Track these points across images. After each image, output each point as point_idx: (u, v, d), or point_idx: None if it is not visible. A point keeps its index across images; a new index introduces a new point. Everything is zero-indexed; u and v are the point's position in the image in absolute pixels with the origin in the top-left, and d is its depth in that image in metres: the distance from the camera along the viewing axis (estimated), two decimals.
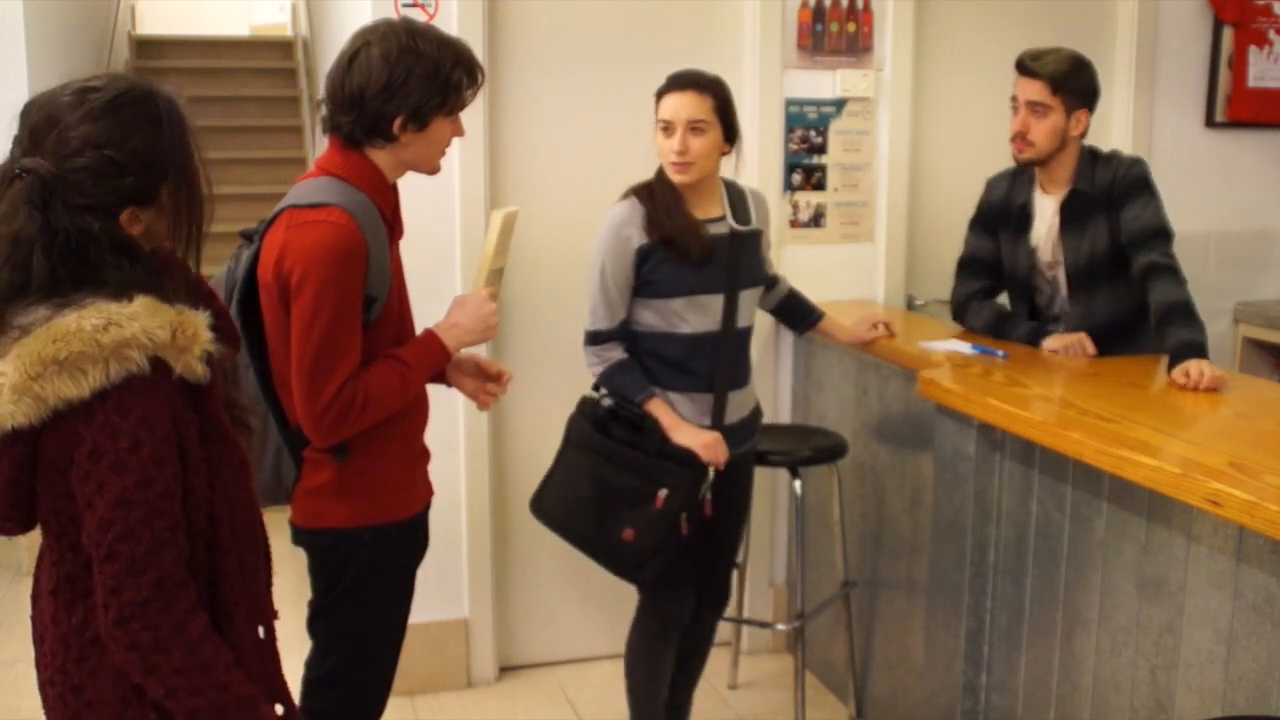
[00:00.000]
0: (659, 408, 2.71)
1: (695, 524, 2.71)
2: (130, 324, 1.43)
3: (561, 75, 3.51)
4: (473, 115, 3.33)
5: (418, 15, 3.27)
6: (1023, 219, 3.06)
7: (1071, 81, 2.89)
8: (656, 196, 2.71)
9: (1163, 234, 2.86)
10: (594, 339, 2.76)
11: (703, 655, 3.04)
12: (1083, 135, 2.95)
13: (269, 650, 1.73)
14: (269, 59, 8.00)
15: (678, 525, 2.67)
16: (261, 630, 1.70)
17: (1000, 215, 3.11)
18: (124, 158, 1.49)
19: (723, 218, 2.75)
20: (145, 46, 7.78)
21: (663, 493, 2.65)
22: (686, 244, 2.66)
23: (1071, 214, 2.97)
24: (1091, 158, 2.97)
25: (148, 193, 1.53)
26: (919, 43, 3.76)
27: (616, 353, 2.75)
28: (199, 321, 1.52)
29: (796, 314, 3.12)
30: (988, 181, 3.17)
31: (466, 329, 2.24)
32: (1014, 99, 2.95)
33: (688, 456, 2.68)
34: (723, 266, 2.71)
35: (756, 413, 2.95)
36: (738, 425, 2.83)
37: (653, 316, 2.73)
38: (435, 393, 2.41)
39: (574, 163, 3.53)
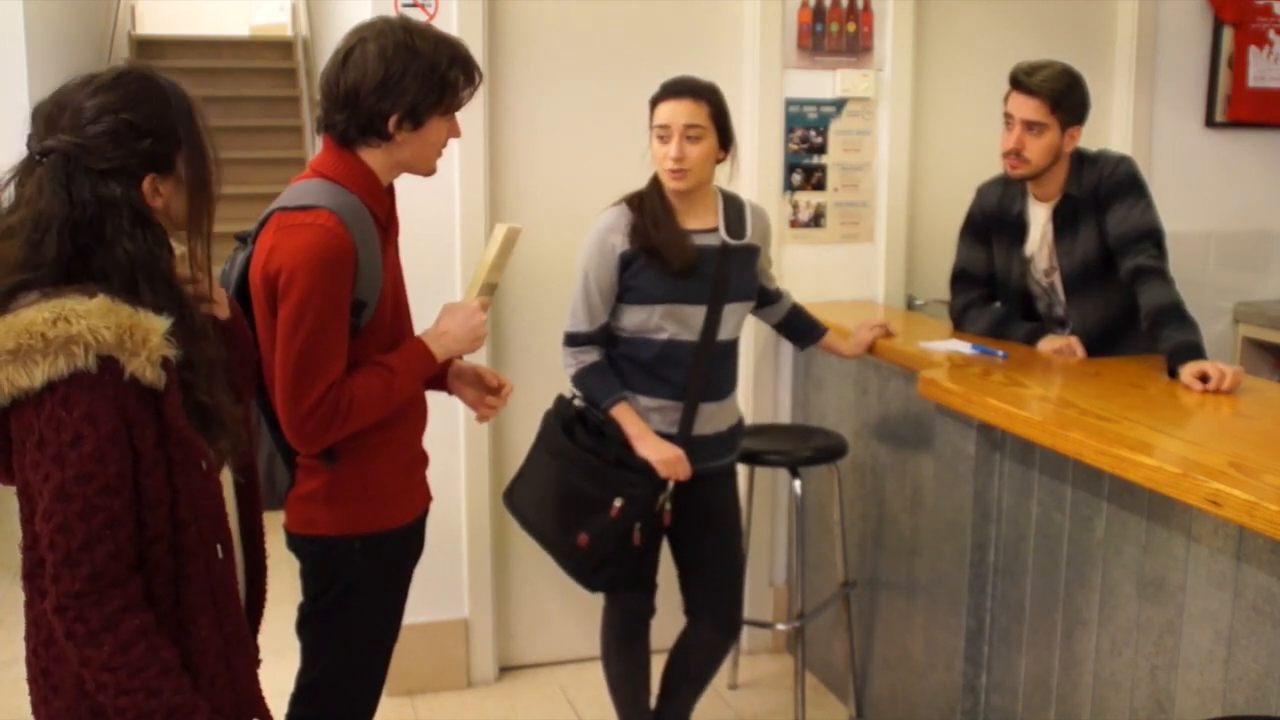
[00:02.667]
0: (625, 414, 2.71)
1: (651, 533, 2.71)
2: (79, 321, 1.46)
3: (562, 76, 3.51)
4: (473, 117, 3.35)
5: (417, 15, 3.27)
6: (1018, 229, 3.05)
7: (1068, 99, 2.86)
8: (646, 205, 2.71)
9: (1149, 235, 2.84)
10: (571, 340, 2.77)
11: (705, 677, 2.98)
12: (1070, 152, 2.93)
13: (239, 662, 1.69)
14: (269, 59, 8.00)
15: (630, 535, 2.67)
16: (235, 643, 1.68)
17: (994, 223, 3.10)
18: (139, 120, 1.55)
19: (715, 229, 2.74)
20: (145, 46, 7.78)
21: (618, 502, 2.65)
22: (668, 255, 2.65)
23: (1063, 219, 2.96)
24: (1079, 160, 2.95)
25: (165, 159, 1.58)
26: (919, 43, 3.76)
27: (591, 355, 2.75)
28: (153, 326, 1.52)
29: (800, 330, 3.10)
30: (978, 189, 3.16)
31: (455, 338, 2.22)
32: (1008, 116, 2.91)
33: (646, 468, 2.67)
34: (710, 278, 2.70)
35: (737, 429, 2.90)
36: (712, 439, 2.80)
37: (633, 321, 2.72)
38: (436, 394, 2.41)
39: (575, 165, 3.53)
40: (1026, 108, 2.86)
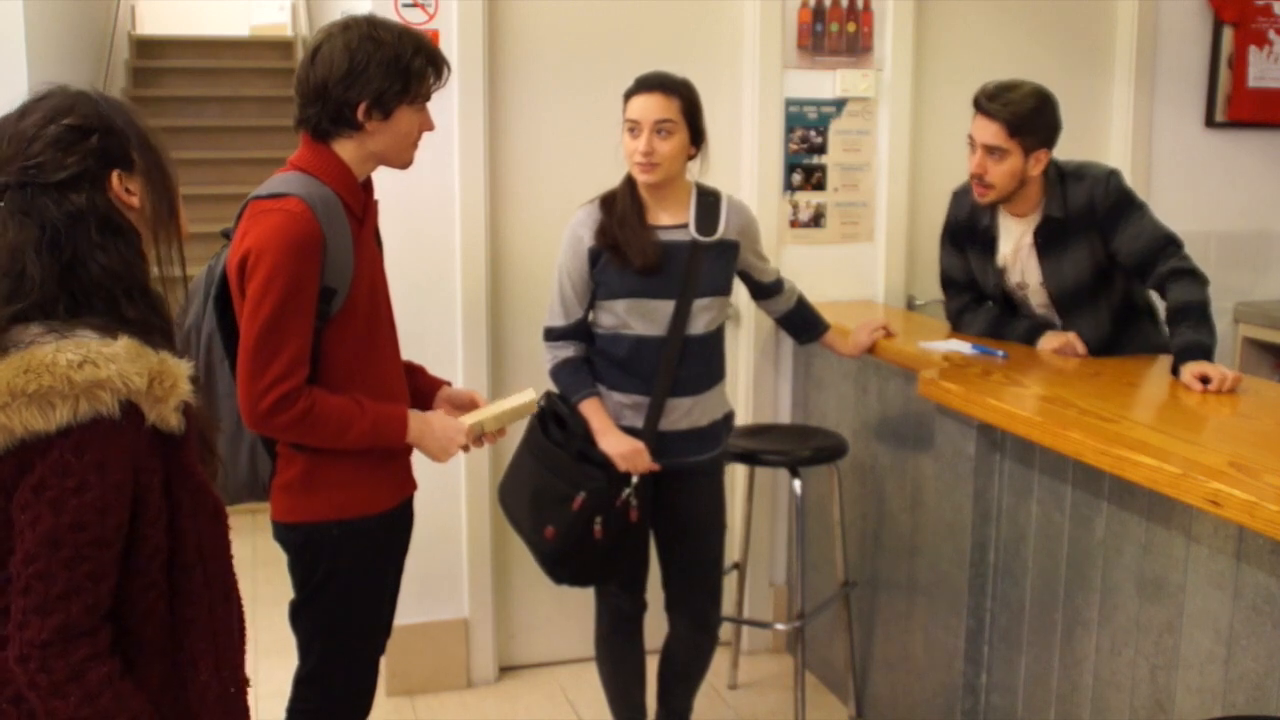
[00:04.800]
0: (592, 410, 2.73)
1: (620, 529, 2.70)
2: (107, 365, 1.39)
3: (561, 76, 3.51)
4: (473, 117, 3.36)
5: (417, 15, 3.27)
6: (988, 241, 3.01)
7: (1030, 124, 2.75)
8: (615, 203, 2.73)
9: (1171, 241, 2.80)
10: (548, 335, 2.82)
11: (694, 675, 2.98)
12: (1044, 170, 2.83)
13: (237, 705, 1.67)
14: (269, 59, 7.99)
15: (592, 529, 2.67)
16: (232, 687, 1.65)
17: (965, 233, 3.06)
18: (79, 120, 1.49)
19: (686, 225, 2.74)
20: (145, 46, 7.78)
21: (580, 495, 2.67)
22: (630, 253, 2.67)
23: (1047, 240, 2.90)
24: (1059, 177, 2.86)
25: (122, 154, 1.51)
26: (919, 43, 3.76)
27: (567, 351, 2.78)
28: (180, 372, 1.48)
29: (802, 325, 3.10)
30: (954, 194, 3.11)
31: (431, 435, 2.25)
32: (970, 138, 2.83)
33: (608, 462, 2.69)
34: (679, 274, 2.70)
35: (721, 425, 2.87)
36: (688, 434, 2.79)
37: (606, 317, 2.75)
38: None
39: (574, 165, 3.52)
40: (986, 132, 2.78)
